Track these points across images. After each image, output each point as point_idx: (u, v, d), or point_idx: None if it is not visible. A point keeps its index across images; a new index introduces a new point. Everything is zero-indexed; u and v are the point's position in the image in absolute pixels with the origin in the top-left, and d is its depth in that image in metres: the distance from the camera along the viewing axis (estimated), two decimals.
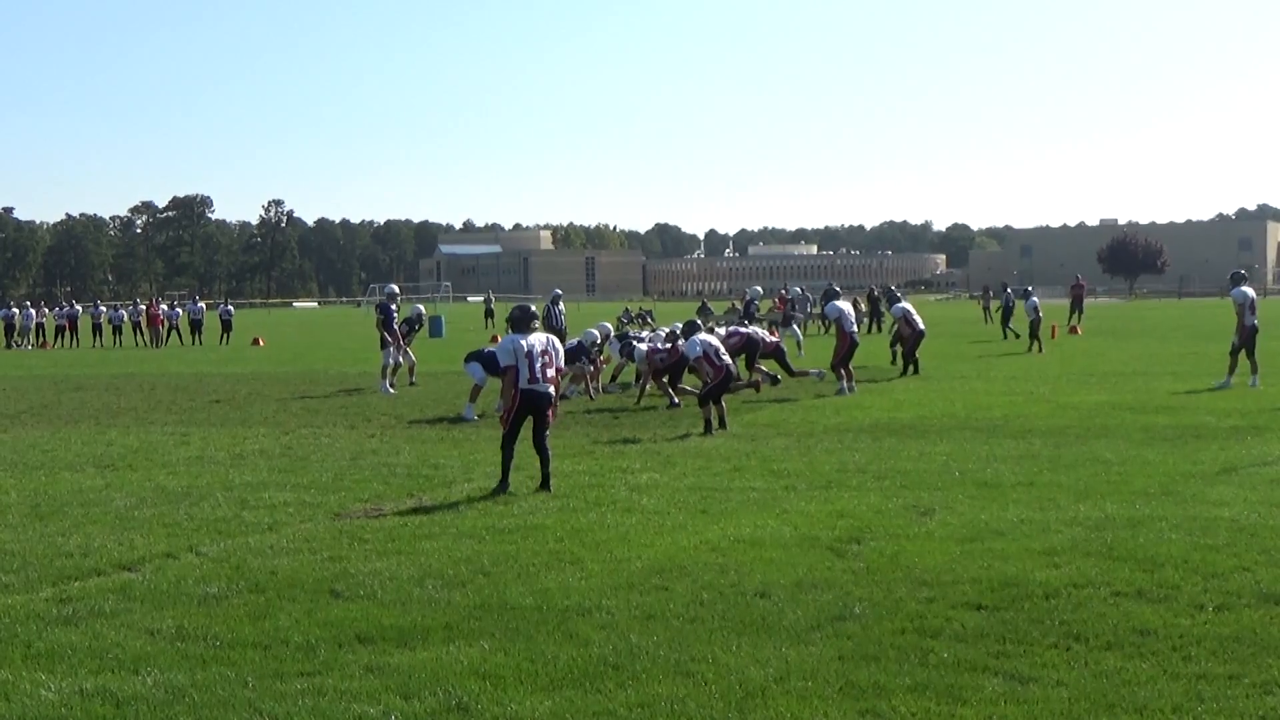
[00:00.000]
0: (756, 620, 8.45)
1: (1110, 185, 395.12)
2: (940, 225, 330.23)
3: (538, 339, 13.82)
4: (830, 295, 26.69)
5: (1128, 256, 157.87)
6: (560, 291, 37.51)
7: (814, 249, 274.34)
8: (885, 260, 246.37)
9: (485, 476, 14.75)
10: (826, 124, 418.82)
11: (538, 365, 13.60)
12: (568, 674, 7.41)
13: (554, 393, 13.95)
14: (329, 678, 7.41)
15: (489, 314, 63.28)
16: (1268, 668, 7.27)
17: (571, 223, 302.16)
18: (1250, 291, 24.40)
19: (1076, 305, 54.05)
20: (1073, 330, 49.16)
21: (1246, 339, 23.76)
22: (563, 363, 14.21)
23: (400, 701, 7.00)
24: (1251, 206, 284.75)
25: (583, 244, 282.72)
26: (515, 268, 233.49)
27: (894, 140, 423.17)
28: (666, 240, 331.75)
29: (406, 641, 8.11)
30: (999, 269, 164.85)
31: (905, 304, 30.14)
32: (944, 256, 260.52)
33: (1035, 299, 38.01)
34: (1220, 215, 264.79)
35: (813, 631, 8.17)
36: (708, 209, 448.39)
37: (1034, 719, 6.62)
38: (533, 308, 14.20)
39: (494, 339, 49.27)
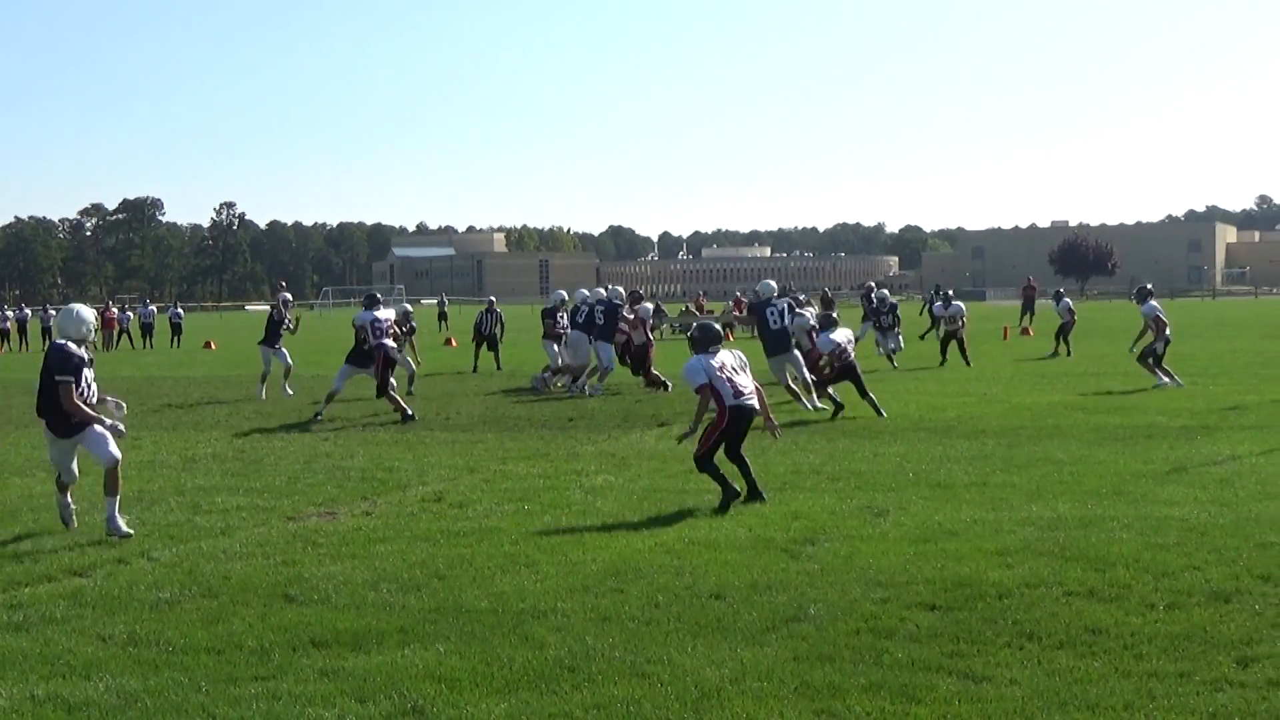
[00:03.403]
0: (712, 622, 8.46)
1: (1062, 187, 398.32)
2: (893, 227, 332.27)
3: (725, 356, 13.05)
4: (827, 323, 21.83)
5: (1079, 258, 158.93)
6: (494, 298, 37.21)
7: (767, 251, 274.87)
8: (839, 262, 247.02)
9: (440, 480, 14.73)
10: (780, 126, 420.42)
11: (739, 380, 12.89)
12: (523, 676, 7.40)
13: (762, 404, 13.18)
14: (283, 682, 7.37)
15: (443, 317, 63.01)
16: (1217, 665, 7.33)
17: (525, 225, 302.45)
18: (1158, 305, 25.01)
19: (1028, 306, 54.39)
20: (1024, 331, 49.46)
21: (1161, 346, 24.30)
22: (749, 374, 13.22)
23: (355, 705, 6.97)
24: (1200, 208, 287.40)
25: (536, 246, 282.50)
26: (469, 270, 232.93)
27: (847, 142, 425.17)
28: (620, 242, 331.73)
29: (361, 645, 8.09)
30: (951, 270, 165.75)
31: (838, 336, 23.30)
32: (897, 258, 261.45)
33: (1068, 300, 36.14)
34: (1170, 217, 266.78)
35: (768, 632, 8.19)
36: (661, 211, 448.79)
37: (988, 718, 6.65)
38: (716, 327, 13.55)
39: (448, 341, 49.21)
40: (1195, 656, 7.51)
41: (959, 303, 33.53)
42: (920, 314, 55.19)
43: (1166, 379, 24.22)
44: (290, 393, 26.73)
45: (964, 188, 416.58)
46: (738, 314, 52.18)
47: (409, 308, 29.83)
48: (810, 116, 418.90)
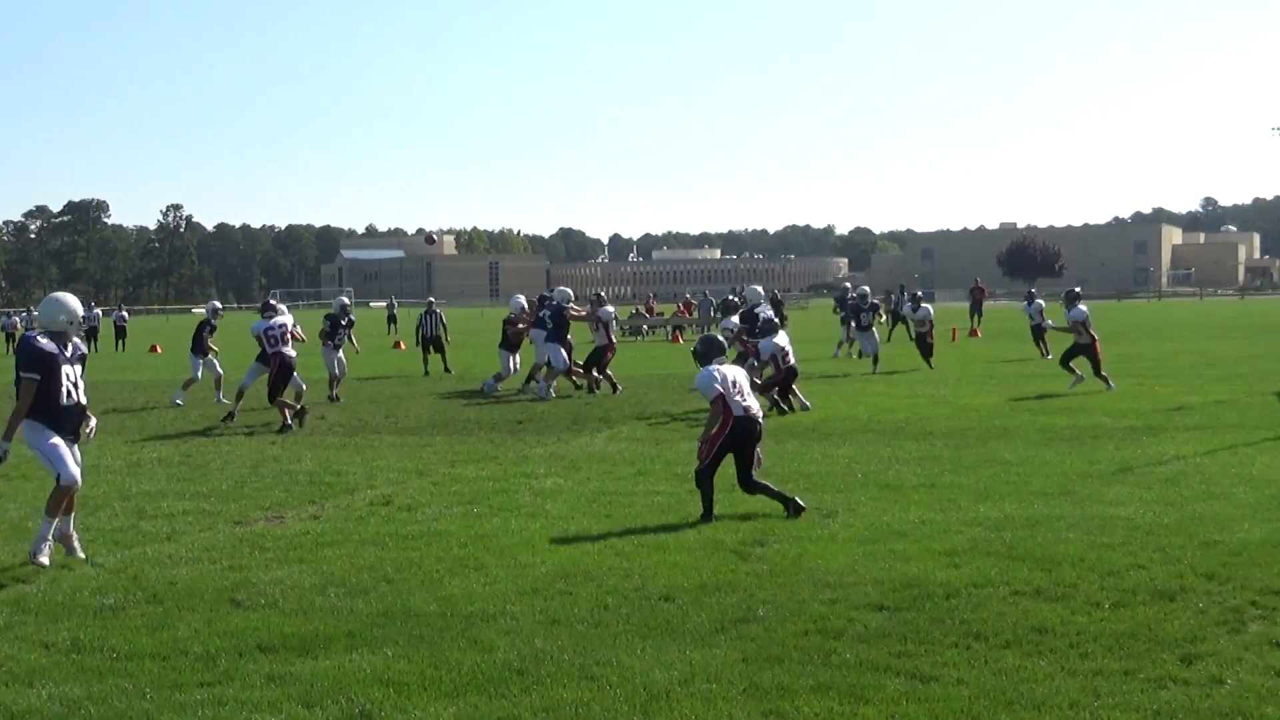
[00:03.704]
0: (661, 623, 8.46)
1: (1010, 189, 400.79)
2: (843, 229, 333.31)
3: (730, 369, 12.71)
4: (768, 329, 21.89)
5: (1026, 259, 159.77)
6: (433, 299, 37.04)
7: (717, 253, 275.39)
8: (789, 264, 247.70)
9: (388, 483, 14.68)
10: (729, 127, 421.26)
11: (743, 392, 12.59)
12: (472, 680, 7.38)
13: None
14: (229, 688, 7.32)
15: (392, 320, 62.81)
16: (1162, 663, 7.39)
17: (475, 227, 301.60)
18: (1086, 309, 25.29)
19: (976, 308, 54.67)
20: (973, 333, 49.70)
21: (1088, 349, 24.48)
22: (749, 387, 12.89)
23: (302, 711, 6.93)
24: (1147, 210, 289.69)
25: (486, 249, 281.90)
26: (418, 273, 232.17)
27: (797, 144, 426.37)
28: (570, 245, 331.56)
29: (308, 650, 8.04)
30: (900, 272, 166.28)
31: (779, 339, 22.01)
32: (846, 260, 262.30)
33: (1040, 302, 35.22)
34: (1116, 219, 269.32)
35: (717, 634, 8.20)
36: (612, 214, 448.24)
37: (935, 717, 6.68)
38: (720, 339, 13.26)
39: (396, 344, 49.04)
40: (1140, 654, 7.57)
41: (927, 305, 33.27)
42: (882, 318, 55.29)
43: (1108, 383, 24.27)
44: (179, 402, 26.14)
45: (913, 190, 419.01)
46: (686, 315, 52.27)
47: (346, 301, 29.33)
48: (760, 119, 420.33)
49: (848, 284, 41.30)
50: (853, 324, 33.91)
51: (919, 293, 34.59)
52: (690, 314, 57.88)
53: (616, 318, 28.52)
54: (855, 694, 7.00)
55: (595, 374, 26.16)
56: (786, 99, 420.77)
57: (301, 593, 9.52)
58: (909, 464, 15.18)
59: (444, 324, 34.30)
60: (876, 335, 32.61)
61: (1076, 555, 10.08)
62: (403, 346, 47.37)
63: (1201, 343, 41.57)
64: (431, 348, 33.87)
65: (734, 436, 12.29)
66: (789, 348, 21.42)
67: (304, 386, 22.70)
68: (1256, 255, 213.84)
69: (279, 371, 21.18)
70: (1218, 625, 8.14)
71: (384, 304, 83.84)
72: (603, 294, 30.47)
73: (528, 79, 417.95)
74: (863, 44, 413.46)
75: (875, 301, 33.85)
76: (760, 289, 25.98)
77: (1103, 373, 24.38)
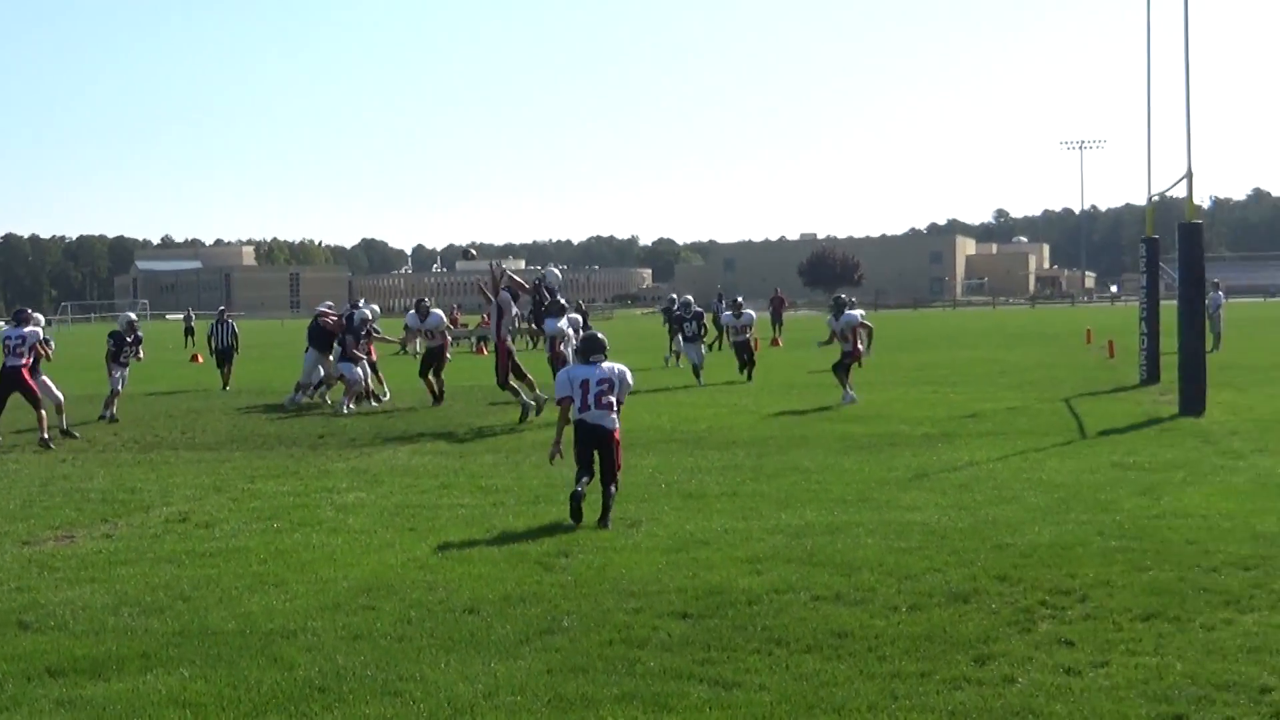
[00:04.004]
0: (465, 636, 8.42)
1: (810, 201, 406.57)
2: (646, 240, 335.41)
3: (598, 370, 12.57)
4: (555, 310, 22.91)
5: (826, 269, 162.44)
6: (224, 308, 36.35)
7: (522, 264, 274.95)
8: (593, 274, 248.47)
9: (185, 500, 14.36)
10: (534, 138, 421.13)
11: (591, 395, 12.45)
12: (272, 698, 7.25)
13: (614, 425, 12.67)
14: (17, 714, 7.08)
15: (189, 332, 61.44)
16: (957, 664, 7.58)
17: (275, 238, 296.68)
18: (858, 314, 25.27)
19: (776, 318, 55.46)
20: (774, 342, 50.38)
21: (856, 357, 24.43)
22: (625, 396, 12.86)
23: None
24: (942, 221, 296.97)
25: (287, 260, 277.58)
26: (217, 284, 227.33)
27: (600, 155, 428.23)
28: (374, 256, 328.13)
29: (100, 672, 7.81)
30: (704, 282, 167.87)
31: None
32: (650, 271, 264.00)
33: (858, 312, 35.34)
34: (913, 230, 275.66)
35: (521, 645, 8.19)
36: (415, 224, 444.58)
37: None
38: (601, 336, 13.00)
39: (194, 357, 47.98)
40: (935, 656, 7.75)
41: (749, 311, 32.65)
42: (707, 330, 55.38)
43: (853, 393, 23.94)
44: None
45: (716, 201, 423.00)
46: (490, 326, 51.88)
47: (132, 317, 27.84)
48: (563, 128, 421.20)
49: (673, 295, 41.05)
50: (679, 335, 33.58)
51: (739, 298, 33.87)
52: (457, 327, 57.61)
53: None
54: (659, 702, 7.04)
55: (432, 379, 25.99)
56: (590, 109, 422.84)
57: (93, 613, 9.25)
58: (712, 473, 15.33)
59: (235, 335, 33.40)
60: (702, 347, 32.52)
61: (874, 560, 10.28)
62: (200, 360, 46.39)
63: (994, 351, 42.72)
64: (223, 359, 32.94)
65: (578, 438, 12.52)
66: (571, 333, 21.98)
67: (61, 398, 21.76)
68: (1046, 265, 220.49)
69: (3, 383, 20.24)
70: (1009, 625, 8.37)
71: (181, 316, 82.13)
72: (426, 300, 29.69)
73: (327, 87, 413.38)
74: (661, 54, 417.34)
75: (699, 310, 33.58)
76: (558, 272, 26.09)
77: (850, 384, 24.06)
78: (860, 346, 24.24)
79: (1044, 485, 13.88)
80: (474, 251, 28.52)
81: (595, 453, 12.54)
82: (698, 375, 30.83)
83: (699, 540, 11.30)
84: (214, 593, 9.81)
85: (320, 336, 26.91)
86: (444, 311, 26.43)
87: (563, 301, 23.27)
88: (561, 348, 21.96)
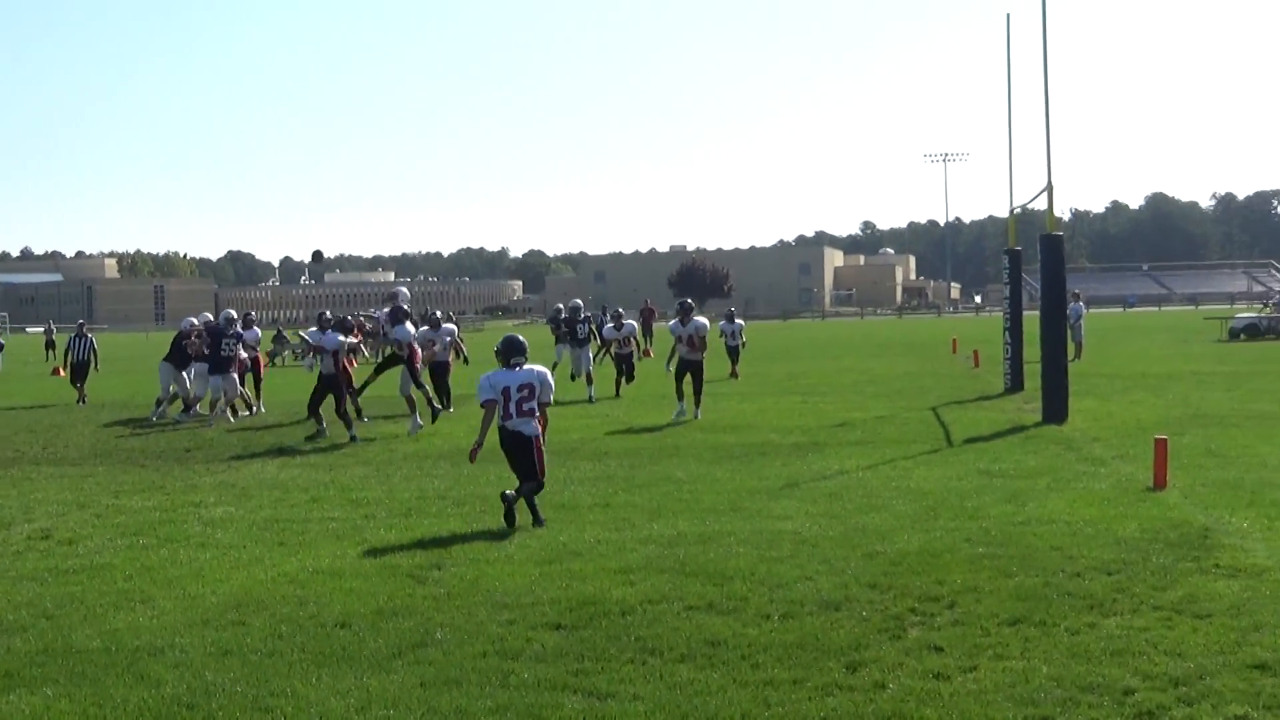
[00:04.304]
0: (337, 651, 8.35)
1: (680, 213, 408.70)
2: (516, 251, 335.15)
3: (518, 375, 12.88)
4: (397, 317, 23.40)
5: (696, 281, 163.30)
6: (83, 321, 35.63)
7: (392, 276, 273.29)
8: (463, 286, 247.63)
9: (48, 516, 14.07)
10: (401, 149, 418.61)
11: (513, 404, 12.75)
12: (139, 717, 7.14)
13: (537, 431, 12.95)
14: None
15: (49, 345, 60.21)
16: (828, 671, 7.66)
17: (139, 250, 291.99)
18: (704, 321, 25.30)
19: (647, 329, 55.62)
20: (645, 354, 50.50)
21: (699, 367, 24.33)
22: (549, 397, 13.07)
23: None
24: (809, 233, 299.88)
25: (151, 272, 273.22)
26: (79, 297, 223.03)
27: (469, 167, 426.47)
28: (240, 268, 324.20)
29: None
30: (574, 294, 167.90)
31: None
32: (520, 282, 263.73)
33: (740, 322, 35.70)
34: (781, 241, 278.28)
35: (394, 659, 8.13)
36: (282, 236, 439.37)
37: None
38: (520, 338, 13.13)
39: (55, 371, 46.99)
40: (808, 664, 7.82)
41: (630, 322, 32.22)
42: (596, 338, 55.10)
43: (683, 404, 23.50)
44: None
45: (586, 213, 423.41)
46: (359, 338, 51.39)
47: None
48: (432, 140, 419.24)
49: (559, 305, 40.71)
50: (571, 341, 32.66)
51: (620, 310, 33.63)
52: (359, 338, 57.07)
53: (284, 338, 27.77)
54: (533, 714, 7.03)
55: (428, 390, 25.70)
56: (459, 120, 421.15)
57: None
58: (584, 484, 15.34)
59: (94, 349, 32.79)
60: (590, 353, 31.22)
61: (747, 569, 10.36)
62: (62, 373, 45.33)
63: (862, 360, 43.20)
64: (78, 373, 32.25)
65: (503, 446, 12.94)
66: (414, 338, 23.12)
67: None
68: (913, 276, 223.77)
69: None
70: (880, 633, 8.48)
71: (41, 329, 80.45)
72: (325, 313, 29.00)
73: (189, 97, 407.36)
74: (530, 65, 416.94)
75: (589, 315, 32.38)
76: (406, 291, 26.30)
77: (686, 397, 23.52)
78: (703, 355, 23.83)
79: (912, 493, 14.08)
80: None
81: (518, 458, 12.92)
82: (590, 383, 29.58)
83: (572, 551, 11.30)
84: (78, 610, 9.63)
85: (180, 352, 26.56)
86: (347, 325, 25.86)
87: (438, 315, 23.41)
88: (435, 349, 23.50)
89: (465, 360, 28.38)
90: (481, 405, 13.03)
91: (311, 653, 8.34)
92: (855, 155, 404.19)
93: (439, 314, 28.59)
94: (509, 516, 12.48)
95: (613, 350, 31.26)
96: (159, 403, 26.50)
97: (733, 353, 35.29)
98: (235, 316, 26.39)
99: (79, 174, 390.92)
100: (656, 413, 24.73)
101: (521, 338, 13.25)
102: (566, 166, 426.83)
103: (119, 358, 56.22)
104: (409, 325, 23.29)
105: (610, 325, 31.37)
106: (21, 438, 23.10)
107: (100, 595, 10.10)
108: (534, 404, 12.85)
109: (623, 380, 30.43)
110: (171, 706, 7.29)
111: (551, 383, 13.17)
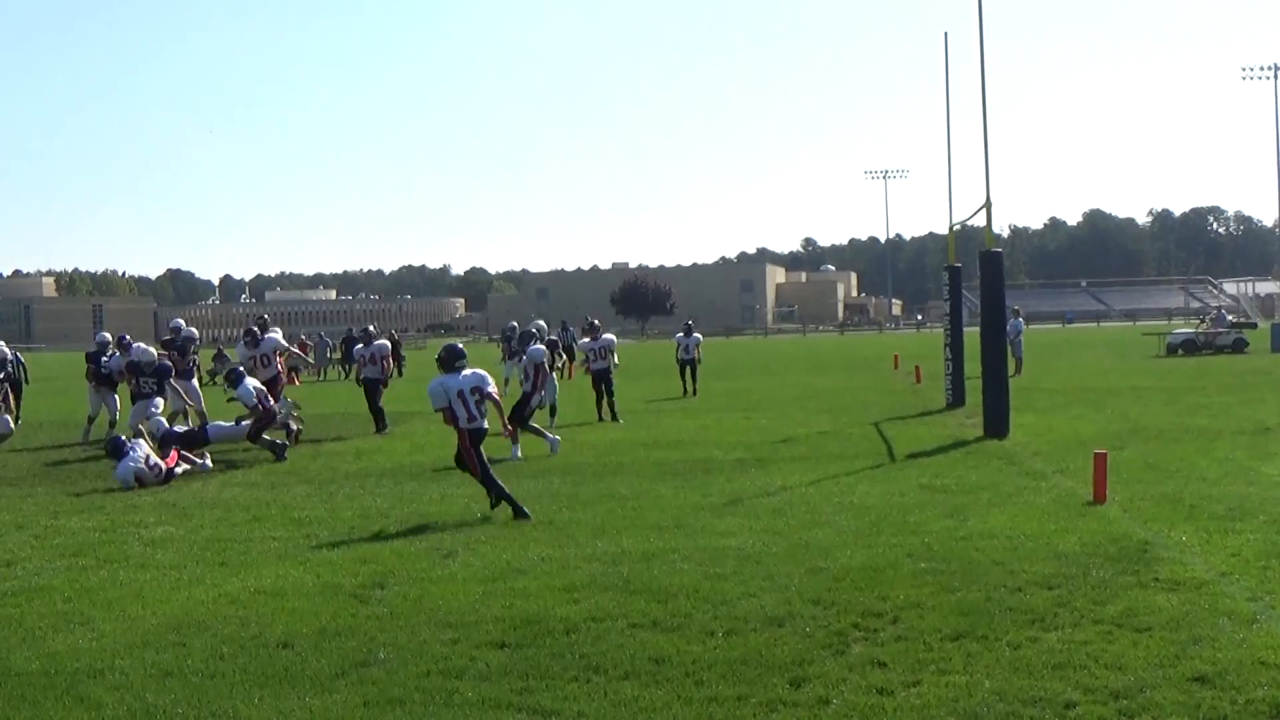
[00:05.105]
0: (279, 671, 8.29)
1: (622, 231, 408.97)
2: (459, 269, 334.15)
3: (464, 379, 14.20)
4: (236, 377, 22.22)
5: (639, 298, 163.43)
6: (4, 342, 35.20)
7: (333, 294, 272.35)
8: (405, 304, 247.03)
9: None
10: (341, 167, 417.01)
11: (471, 403, 14.10)
12: None
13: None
14: None
15: None
16: (773, 687, 7.67)
17: (77, 269, 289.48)
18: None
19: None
20: (587, 370, 50.32)
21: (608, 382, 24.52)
22: (491, 388, 14.40)
23: None
24: (751, 250, 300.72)
25: (89, 291, 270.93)
26: (16, 316, 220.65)
27: (410, 185, 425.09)
28: (180, 286, 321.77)
29: None
30: (517, 312, 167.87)
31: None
32: (463, 300, 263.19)
33: (698, 335, 35.11)
34: (723, 259, 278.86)
35: (336, 679, 8.09)
36: (223, 254, 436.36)
37: None
38: (460, 346, 14.53)
39: None
40: (752, 680, 7.84)
41: (609, 335, 29.55)
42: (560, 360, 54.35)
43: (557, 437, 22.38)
44: None
45: (528, 231, 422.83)
46: (302, 356, 51.23)
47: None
48: (371, 157, 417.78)
49: (514, 322, 40.30)
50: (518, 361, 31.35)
51: (595, 321, 32.32)
52: (306, 354, 56.93)
53: (225, 356, 27.57)
54: None
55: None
56: (400, 137, 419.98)
57: None
58: (528, 501, 15.26)
59: (24, 368, 32.37)
60: (555, 380, 29.49)
61: (691, 586, 10.37)
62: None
63: (805, 376, 43.38)
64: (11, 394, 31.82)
65: (474, 444, 14.19)
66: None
67: None
68: (854, 293, 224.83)
69: None
70: (824, 648, 8.50)
71: None
72: (266, 318, 28.81)
73: (126, 114, 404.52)
74: (469, 83, 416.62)
75: (553, 338, 30.68)
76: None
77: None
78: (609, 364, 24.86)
79: (855, 508, 14.13)
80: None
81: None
82: (553, 414, 25.41)
83: (516, 569, 11.28)
84: (16, 633, 9.53)
85: (104, 374, 26.52)
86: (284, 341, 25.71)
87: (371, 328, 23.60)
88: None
89: (399, 373, 28.35)
90: (437, 410, 14.21)
91: (254, 674, 8.28)
92: (796, 172, 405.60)
93: (371, 328, 28.60)
94: (517, 511, 14.04)
95: (591, 365, 28.31)
96: (90, 420, 26.43)
97: (688, 367, 34.44)
98: (111, 339, 26.47)
99: (14, 193, 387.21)
100: (600, 429, 24.76)
101: (460, 345, 14.54)
102: (509, 183, 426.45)
103: (57, 376, 55.73)
104: (249, 384, 21.83)
105: (586, 339, 28.92)
106: None
107: (39, 617, 10.00)
108: (484, 402, 14.26)
109: (603, 402, 27.66)
110: None
111: (490, 377, 14.55)
